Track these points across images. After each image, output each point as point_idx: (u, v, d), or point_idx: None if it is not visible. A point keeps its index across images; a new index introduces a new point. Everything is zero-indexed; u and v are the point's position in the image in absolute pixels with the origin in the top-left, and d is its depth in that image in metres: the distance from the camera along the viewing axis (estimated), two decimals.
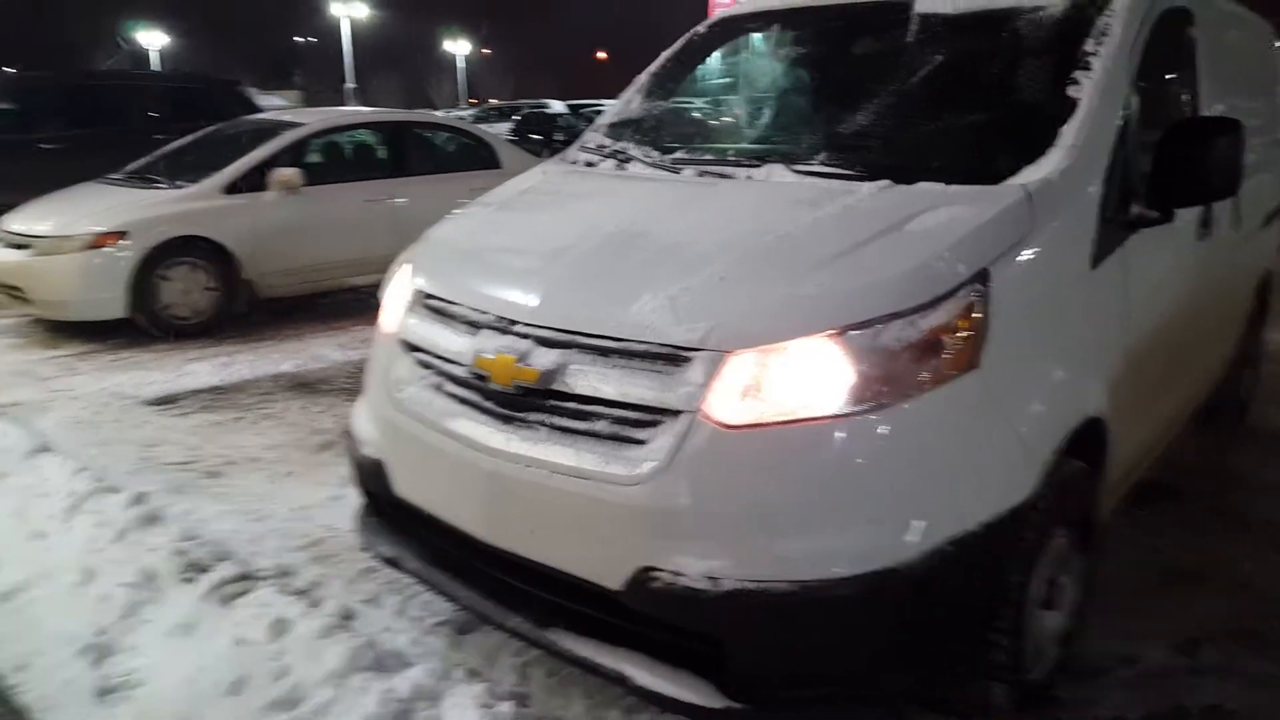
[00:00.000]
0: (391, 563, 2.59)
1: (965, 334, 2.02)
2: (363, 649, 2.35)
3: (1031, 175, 2.37)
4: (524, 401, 2.19)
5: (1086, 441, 2.43)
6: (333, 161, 7.40)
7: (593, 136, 3.39)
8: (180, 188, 6.51)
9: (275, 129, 7.08)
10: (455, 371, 2.37)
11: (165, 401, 5.00)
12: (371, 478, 2.61)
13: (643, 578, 1.98)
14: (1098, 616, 2.74)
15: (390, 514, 2.63)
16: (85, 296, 6.01)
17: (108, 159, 7.41)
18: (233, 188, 6.52)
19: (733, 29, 3.64)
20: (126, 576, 2.80)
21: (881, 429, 1.93)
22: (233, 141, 7.11)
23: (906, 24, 3.09)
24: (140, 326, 6.19)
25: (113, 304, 6.02)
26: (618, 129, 3.36)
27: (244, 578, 2.76)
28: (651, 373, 2.04)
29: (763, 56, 3.40)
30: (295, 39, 62.70)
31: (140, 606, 2.68)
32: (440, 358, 2.43)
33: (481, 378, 2.26)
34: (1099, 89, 2.58)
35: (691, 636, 1.99)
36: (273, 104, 14.81)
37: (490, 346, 2.25)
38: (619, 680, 2.08)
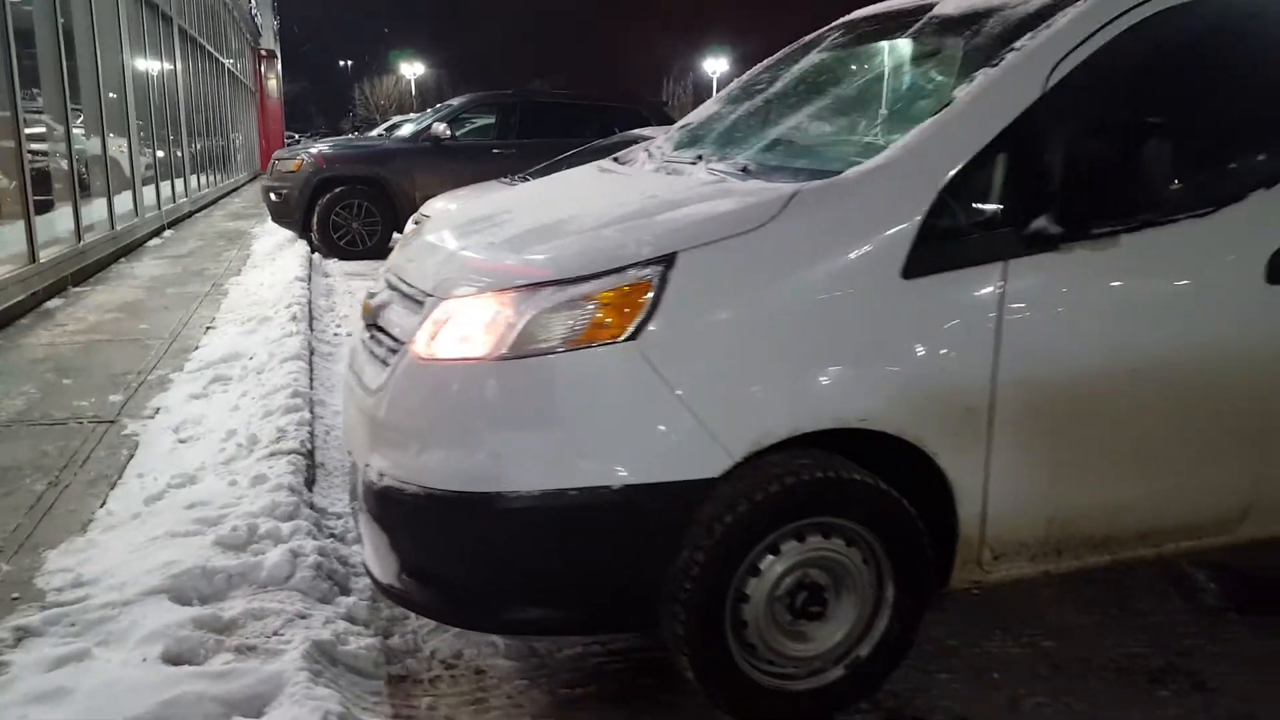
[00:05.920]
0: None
1: (625, 307, 2.18)
2: (244, 530, 3.09)
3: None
4: (372, 333, 2.79)
5: (893, 464, 2.34)
6: None
7: (659, 138, 3.75)
8: None
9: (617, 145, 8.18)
10: None
11: None
12: None
13: (365, 471, 2.48)
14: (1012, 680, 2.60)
15: None
16: None
17: (535, 163, 9.09)
18: None
19: (812, 44, 3.70)
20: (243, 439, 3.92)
21: (510, 375, 2.19)
22: (594, 154, 8.34)
23: (910, 26, 3.04)
24: None
25: None
26: (678, 132, 3.70)
27: (292, 453, 3.71)
28: (412, 314, 2.53)
29: (800, 68, 3.45)
30: None
31: (233, 459, 3.76)
32: None
33: None
34: (983, 89, 2.40)
35: (378, 521, 2.44)
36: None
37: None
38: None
